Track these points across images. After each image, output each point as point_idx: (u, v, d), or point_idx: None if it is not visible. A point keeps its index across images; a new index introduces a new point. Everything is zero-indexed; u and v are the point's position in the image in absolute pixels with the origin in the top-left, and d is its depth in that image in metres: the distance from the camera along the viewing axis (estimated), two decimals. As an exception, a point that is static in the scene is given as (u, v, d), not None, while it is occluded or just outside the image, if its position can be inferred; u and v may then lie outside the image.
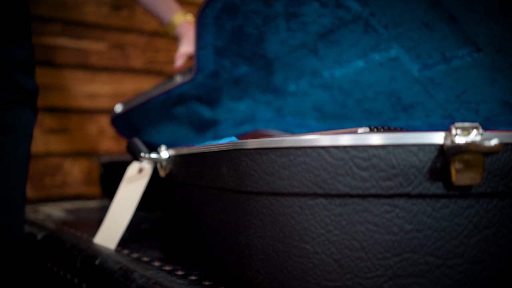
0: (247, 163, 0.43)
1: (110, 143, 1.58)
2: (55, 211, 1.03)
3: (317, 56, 0.83)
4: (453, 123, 0.37)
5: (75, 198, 1.49)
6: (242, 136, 1.12)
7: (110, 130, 1.58)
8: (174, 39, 1.09)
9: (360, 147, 0.38)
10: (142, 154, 0.65)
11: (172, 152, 0.65)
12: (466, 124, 0.36)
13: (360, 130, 0.57)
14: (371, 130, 0.57)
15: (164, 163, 0.66)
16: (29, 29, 0.78)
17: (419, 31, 0.68)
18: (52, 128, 1.47)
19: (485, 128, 0.70)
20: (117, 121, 1.25)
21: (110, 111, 1.57)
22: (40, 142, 1.45)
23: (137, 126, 1.25)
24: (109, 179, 1.05)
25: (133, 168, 0.70)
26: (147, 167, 0.69)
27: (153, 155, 0.65)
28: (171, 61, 1.80)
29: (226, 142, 0.55)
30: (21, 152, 0.76)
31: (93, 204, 1.18)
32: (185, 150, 0.60)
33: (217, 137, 1.14)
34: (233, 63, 0.94)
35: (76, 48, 1.52)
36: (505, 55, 0.63)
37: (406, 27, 0.69)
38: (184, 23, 1.04)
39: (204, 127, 1.16)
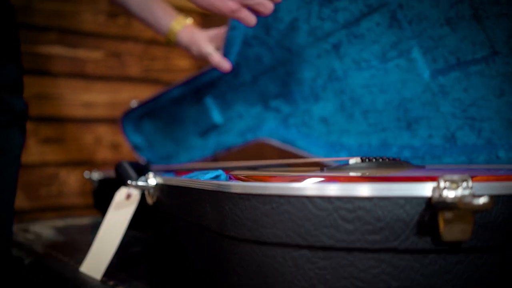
0: (230, 207, 0.42)
1: (107, 153, 1.56)
2: (45, 230, 1.01)
3: (337, 54, 0.83)
4: (442, 175, 0.35)
5: (71, 208, 1.48)
6: (242, 146, 1.10)
7: (106, 139, 1.56)
8: (177, 47, 0.99)
9: (345, 198, 0.36)
10: (129, 182, 0.64)
11: (159, 180, 0.63)
12: (455, 177, 0.34)
13: (352, 160, 0.56)
14: (363, 161, 0.56)
15: (151, 191, 0.64)
16: (18, 48, 0.76)
17: (441, 28, 0.68)
18: (47, 138, 1.46)
19: (485, 152, 0.70)
20: (127, 118, 1.25)
21: (106, 120, 1.56)
22: (36, 151, 1.44)
23: (145, 127, 1.26)
24: (102, 195, 1.03)
25: (121, 194, 0.69)
26: (135, 193, 0.67)
27: (140, 183, 0.64)
28: (168, 69, 1.79)
29: (211, 179, 0.53)
30: (9, 174, 0.75)
31: (86, 221, 1.17)
32: (173, 181, 0.58)
33: (220, 144, 1.14)
34: (256, 56, 0.94)
35: (72, 56, 1.50)
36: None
37: (429, 24, 0.69)
38: (186, 28, 0.94)
39: (209, 132, 1.16)
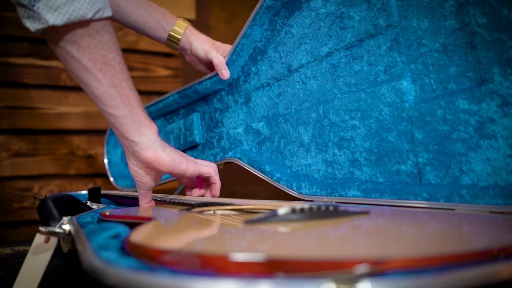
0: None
1: (81, 165, 1.54)
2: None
3: (333, 76, 0.83)
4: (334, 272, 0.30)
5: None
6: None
7: (81, 151, 1.53)
8: (179, 49, 1.02)
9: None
10: (40, 228, 0.60)
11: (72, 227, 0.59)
12: (346, 277, 0.29)
13: (281, 210, 0.52)
14: (293, 212, 0.51)
15: (65, 238, 0.61)
16: None
17: (437, 54, 0.69)
18: (19, 151, 1.43)
19: (448, 190, 0.66)
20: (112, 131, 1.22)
21: (81, 131, 1.53)
22: (8, 164, 1.41)
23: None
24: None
25: (40, 236, 0.65)
26: (53, 237, 0.64)
27: (52, 229, 0.60)
28: (147, 78, 1.75)
29: (107, 238, 0.49)
30: None
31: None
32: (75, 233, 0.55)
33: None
34: (256, 72, 0.94)
35: (45, 67, 1.48)
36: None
37: (427, 50, 0.70)
38: (187, 30, 0.97)
39: (187, 151, 1.13)
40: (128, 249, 0.42)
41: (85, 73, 0.67)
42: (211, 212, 0.68)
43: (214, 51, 0.93)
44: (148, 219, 0.61)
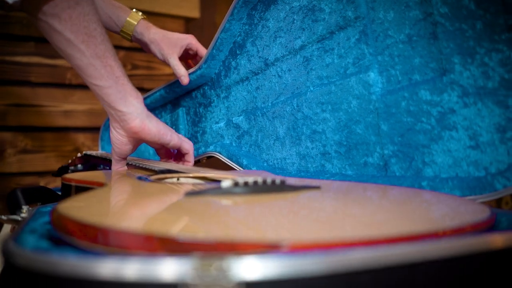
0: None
1: (86, 162, 1.56)
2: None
3: (306, 69, 0.83)
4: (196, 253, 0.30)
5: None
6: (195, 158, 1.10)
7: (86, 148, 1.56)
8: (134, 41, 1.03)
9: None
10: (1, 216, 0.62)
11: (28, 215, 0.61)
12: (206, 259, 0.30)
13: (225, 183, 0.51)
14: (236, 185, 0.51)
15: (24, 226, 0.62)
16: None
17: (402, 46, 0.69)
18: (26, 148, 1.47)
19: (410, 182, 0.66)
20: (106, 126, 1.25)
21: (86, 128, 1.56)
22: (14, 161, 1.45)
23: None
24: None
25: (7, 227, 0.67)
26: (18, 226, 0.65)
27: (12, 216, 0.62)
28: (151, 76, 1.78)
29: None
30: None
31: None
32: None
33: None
34: (235, 66, 0.95)
35: (50, 66, 1.51)
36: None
37: (393, 41, 0.70)
38: (141, 22, 0.98)
39: None
40: (52, 222, 0.42)
41: (69, 46, 0.68)
42: (174, 179, 0.68)
43: (173, 58, 0.96)
44: (100, 185, 0.62)
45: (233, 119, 0.97)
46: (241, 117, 0.95)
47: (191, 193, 0.50)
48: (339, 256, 0.31)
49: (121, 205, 0.50)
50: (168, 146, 0.81)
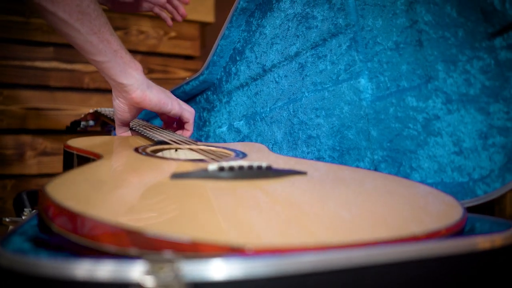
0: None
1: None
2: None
3: (301, 74, 0.84)
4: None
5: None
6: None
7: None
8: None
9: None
10: (4, 219, 0.65)
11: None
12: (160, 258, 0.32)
13: (211, 166, 0.52)
14: (221, 170, 0.52)
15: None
16: None
17: (390, 53, 0.70)
18: (45, 150, 1.52)
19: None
20: None
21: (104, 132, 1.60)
22: (34, 163, 1.50)
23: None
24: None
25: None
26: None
27: (15, 218, 0.65)
28: (167, 80, 1.80)
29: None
30: None
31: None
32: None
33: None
34: (236, 72, 0.97)
35: (69, 70, 1.55)
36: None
37: (382, 48, 0.71)
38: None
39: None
40: (39, 203, 0.44)
41: (64, 25, 0.70)
42: (172, 150, 0.71)
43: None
44: (97, 156, 0.64)
45: (234, 123, 0.99)
46: (242, 121, 0.97)
47: (176, 176, 0.51)
48: (286, 260, 0.33)
49: (103, 188, 0.50)
50: (169, 115, 0.83)
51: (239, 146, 0.78)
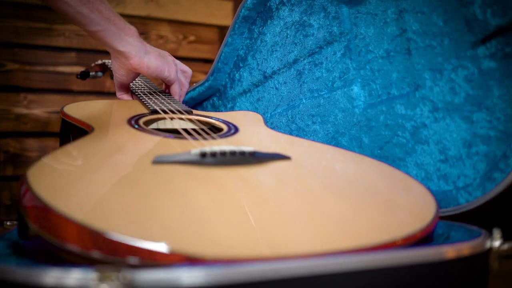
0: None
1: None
2: None
3: (299, 81, 0.86)
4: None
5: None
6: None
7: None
8: None
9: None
10: (5, 222, 0.68)
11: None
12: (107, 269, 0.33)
13: (194, 151, 0.53)
14: (203, 156, 0.52)
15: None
16: None
17: (381, 60, 0.71)
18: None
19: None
20: None
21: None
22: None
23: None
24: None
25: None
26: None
27: (17, 222, 0.68)
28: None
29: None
30: None
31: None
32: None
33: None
34: (239, 79, 0.98)
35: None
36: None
37: (373, 56, 0.72)
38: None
39: None
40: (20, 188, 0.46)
41: (52, 0, 0.71)
42: (167, 119, 0.74)
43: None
44: (89, 128, 0.66)
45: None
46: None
47: (157, 160, 0.52)
48: (232, 269, 0.34)
49: (81, 179, 0.49)
50: (165, 81, 0.86)
51: (235, 116, 0.80)
